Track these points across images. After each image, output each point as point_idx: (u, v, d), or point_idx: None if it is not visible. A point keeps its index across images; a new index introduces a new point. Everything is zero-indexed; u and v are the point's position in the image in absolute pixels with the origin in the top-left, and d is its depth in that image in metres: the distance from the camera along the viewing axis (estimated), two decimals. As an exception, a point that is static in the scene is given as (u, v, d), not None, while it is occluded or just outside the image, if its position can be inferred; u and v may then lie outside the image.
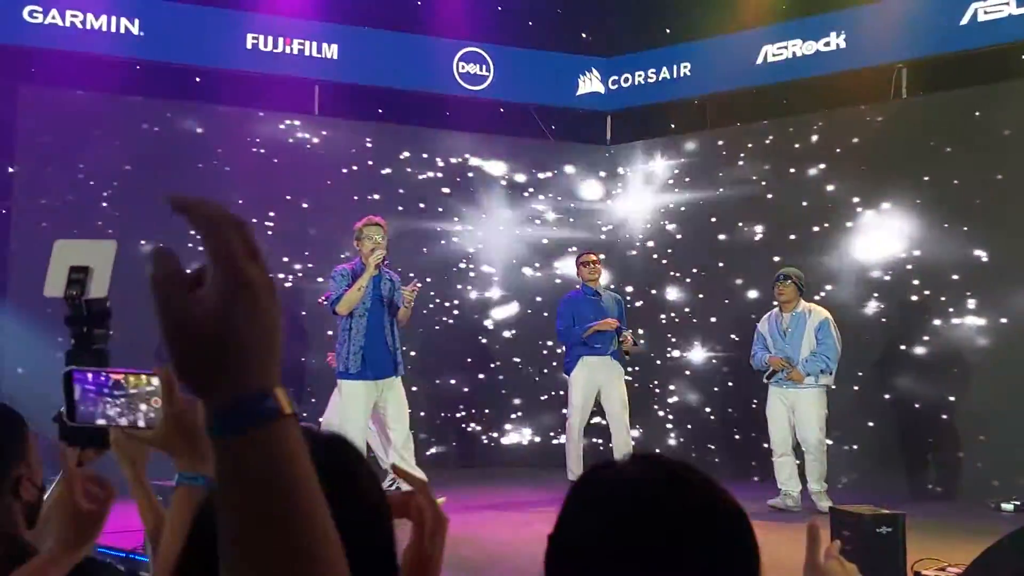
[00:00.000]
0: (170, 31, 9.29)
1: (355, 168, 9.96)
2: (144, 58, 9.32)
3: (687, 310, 10.27)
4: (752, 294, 9.68)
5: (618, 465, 1.26)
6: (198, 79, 9.58)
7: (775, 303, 8.18)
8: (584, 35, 11.09)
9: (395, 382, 7.45)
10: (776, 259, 9.18)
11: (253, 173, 9.41)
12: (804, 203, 9.48)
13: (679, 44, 10.58)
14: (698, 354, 10.16)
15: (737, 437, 9.68)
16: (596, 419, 9.03)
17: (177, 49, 9.31)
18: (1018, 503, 7.71)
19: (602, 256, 9.20)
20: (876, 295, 9.02)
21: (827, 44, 9.54)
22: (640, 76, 10.82)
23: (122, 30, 9.17)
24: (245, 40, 9.62)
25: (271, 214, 9.44)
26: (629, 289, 10.41)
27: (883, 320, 8.98)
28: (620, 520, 1.16)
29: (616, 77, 10.96)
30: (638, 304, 10.36)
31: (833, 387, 8.02)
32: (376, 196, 9.87)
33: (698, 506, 1.18)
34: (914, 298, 8.81)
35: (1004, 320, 8.30)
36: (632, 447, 8.48)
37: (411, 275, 8.48)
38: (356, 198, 9.72)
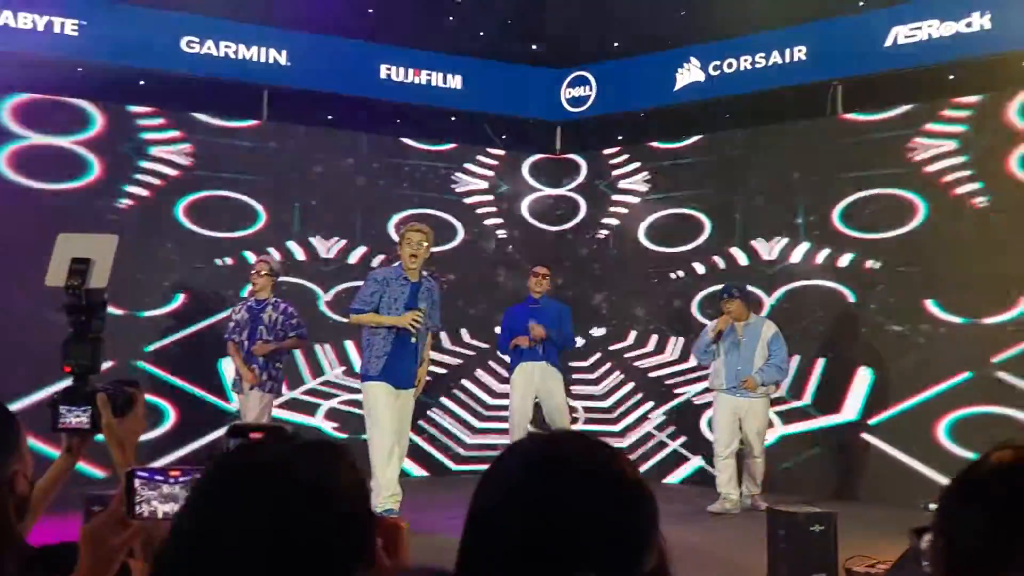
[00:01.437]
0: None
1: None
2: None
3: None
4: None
5: (530, 438, 1.35)
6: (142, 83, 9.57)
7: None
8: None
9: (410, 395, 7.34)
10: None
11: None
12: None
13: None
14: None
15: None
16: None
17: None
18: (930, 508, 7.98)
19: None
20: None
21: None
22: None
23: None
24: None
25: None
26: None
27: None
28: (526, 482, 1.24)
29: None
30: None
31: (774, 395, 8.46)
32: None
33: (601, 471, 1.25)
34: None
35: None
36: None
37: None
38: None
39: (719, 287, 8.74)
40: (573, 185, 11.16)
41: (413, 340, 7.23)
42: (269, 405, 8.11)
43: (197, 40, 9.57)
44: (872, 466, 8.87)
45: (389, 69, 10.44)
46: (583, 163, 11.12)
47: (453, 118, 10.86)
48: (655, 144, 10.60)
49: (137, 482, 1.84)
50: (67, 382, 2.44)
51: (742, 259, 9.81)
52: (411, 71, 10.53)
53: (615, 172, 10.82)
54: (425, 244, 7.25)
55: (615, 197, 10.80)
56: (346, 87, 10.22)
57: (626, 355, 10.52)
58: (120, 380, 2.46)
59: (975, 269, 8.45)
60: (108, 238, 2.54)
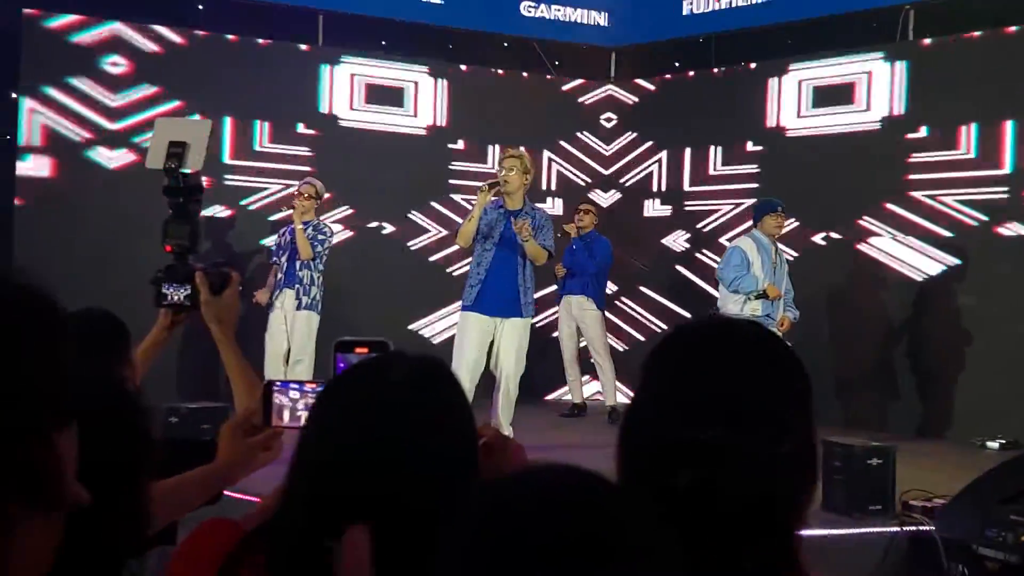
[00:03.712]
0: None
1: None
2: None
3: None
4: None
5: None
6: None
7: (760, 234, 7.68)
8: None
9: (516, 322, 7.06)
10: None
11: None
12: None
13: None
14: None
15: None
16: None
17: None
18: (1004, 441, 8.00)
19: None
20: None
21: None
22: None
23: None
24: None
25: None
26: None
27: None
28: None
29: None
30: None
31: None
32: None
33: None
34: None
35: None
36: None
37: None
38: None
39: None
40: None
41: (515, 268, 7.01)
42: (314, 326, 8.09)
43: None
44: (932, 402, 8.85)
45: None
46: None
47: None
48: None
49: (275, 392, 1.95)
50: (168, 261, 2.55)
51: None
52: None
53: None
54: (514, 171, 7.03)
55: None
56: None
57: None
58: (216, 261, 2.58)
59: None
60: (203, 123, 2.65)
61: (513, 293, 7.04)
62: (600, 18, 11.01)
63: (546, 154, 10.79)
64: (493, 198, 7.10)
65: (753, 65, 10.25)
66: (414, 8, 10.19)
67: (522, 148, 7.36)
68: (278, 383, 1.97)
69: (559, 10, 10.83)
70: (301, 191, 8.23)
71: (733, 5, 10.20)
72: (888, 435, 7.37)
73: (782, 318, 7.56)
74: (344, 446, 1.29)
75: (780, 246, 7.83)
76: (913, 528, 5.33)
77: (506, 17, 10.63)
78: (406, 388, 1.34)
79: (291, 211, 8.33)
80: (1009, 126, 8.50)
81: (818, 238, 9.51)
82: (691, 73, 10.83)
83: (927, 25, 9.14)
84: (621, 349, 10.50)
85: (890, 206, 9.12)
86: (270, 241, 9.02)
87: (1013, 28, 8.64)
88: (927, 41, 9.16)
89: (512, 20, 10.69)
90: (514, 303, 7.04)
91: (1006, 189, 8.50)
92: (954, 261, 8.76)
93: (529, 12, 10.73)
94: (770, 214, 7.67)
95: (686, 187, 10.67)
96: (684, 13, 10.57)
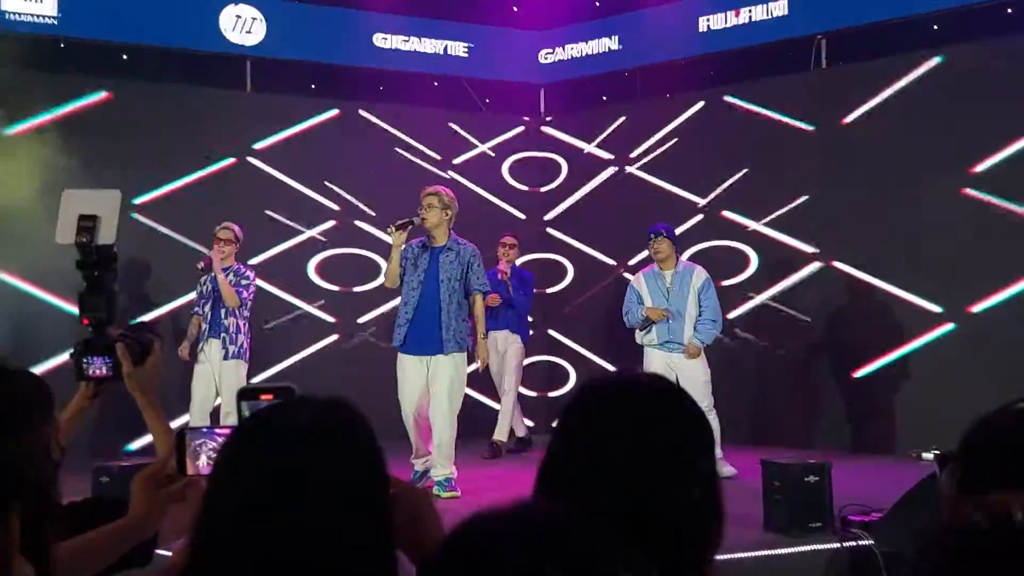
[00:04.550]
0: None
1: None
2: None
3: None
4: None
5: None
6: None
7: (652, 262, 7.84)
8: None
9: (443, 360, 6.97)
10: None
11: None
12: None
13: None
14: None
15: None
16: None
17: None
18: (937, 452, 8.07)
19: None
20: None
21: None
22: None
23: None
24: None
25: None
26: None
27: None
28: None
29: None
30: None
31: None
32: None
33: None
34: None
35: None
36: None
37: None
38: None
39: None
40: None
41: (439, 305, 6.98)
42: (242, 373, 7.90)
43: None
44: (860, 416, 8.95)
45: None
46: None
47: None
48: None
49: (189, 440, 1.94)
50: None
51: None
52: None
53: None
54: (436, 206, 7.05)
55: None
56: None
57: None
58: (138, 325, 2.57)
59: None
60: (111, 193, 2.59)
61: (439, 331, 6.97)
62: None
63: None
64: (417, 236, 7.14)
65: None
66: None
67: (440, 187, 7.34)
68: (191, 430, 1.95)
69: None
70: (219, 236, 7.96)
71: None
72: (820, 452, 7.43)
73: (688, 343, 7.59)
74: (247, 494, 1.28)
75: (689, 267, 7.79)
76: (853, 543, 5.35)
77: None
78: (308, 433, 1.32)
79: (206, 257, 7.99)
80: None
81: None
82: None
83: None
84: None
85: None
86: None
87: None
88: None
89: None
90: (440, 340, 6.97)
91: None
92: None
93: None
94: (649, 242, 7.77)
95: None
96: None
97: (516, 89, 11.17)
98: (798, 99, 9.48)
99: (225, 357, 7.77)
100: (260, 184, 9.76)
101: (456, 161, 10.74)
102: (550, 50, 11.08)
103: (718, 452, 7.31)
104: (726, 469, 7.30)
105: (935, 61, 8.78)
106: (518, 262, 9.34)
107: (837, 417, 9.04)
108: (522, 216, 10.90)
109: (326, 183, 10.04)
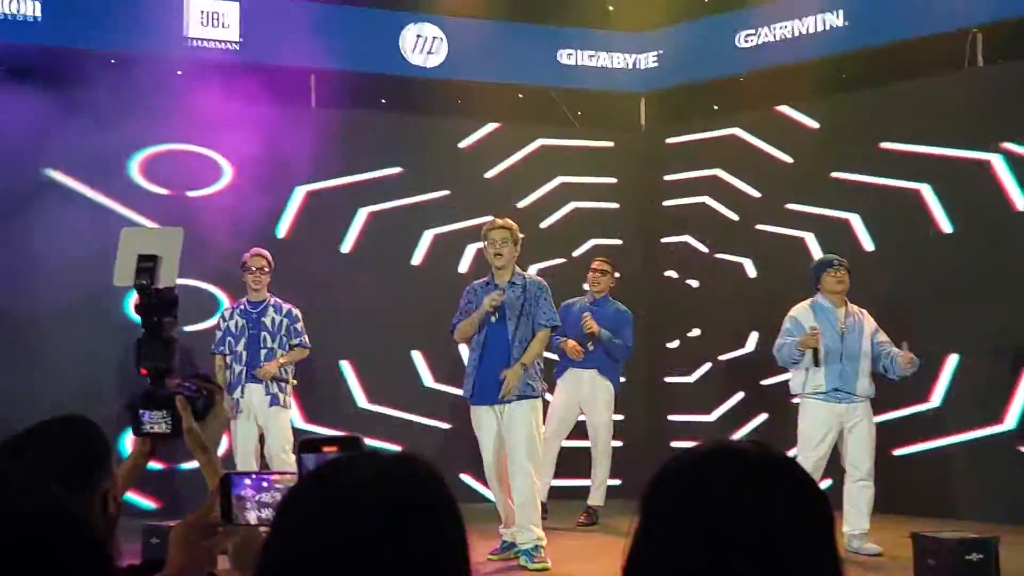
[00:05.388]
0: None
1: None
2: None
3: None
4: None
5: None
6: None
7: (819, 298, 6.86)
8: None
9: (516, 407, 6.45)
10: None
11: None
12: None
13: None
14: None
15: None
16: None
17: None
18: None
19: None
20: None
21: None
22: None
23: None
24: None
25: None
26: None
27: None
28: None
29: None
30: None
31: None
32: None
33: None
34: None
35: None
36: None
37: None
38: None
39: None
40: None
41: (510, 347, 6.50)
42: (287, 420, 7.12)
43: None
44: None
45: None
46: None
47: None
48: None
49: (234, 485, 1.88)
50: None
51: None
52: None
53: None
54: (510, 241, 6.57)
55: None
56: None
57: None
58: (199, 376, 2.44)
59: None
60: (174, 231, 2.48)
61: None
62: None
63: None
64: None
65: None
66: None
67: (507, 219, 6.81)
68: (236, 474, 1.90)
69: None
70: (251, 265, 7.07)
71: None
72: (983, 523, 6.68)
73: (906, 351, 6.53)
74: (307, 552, 1.21)
75: (855, 308, 6.93)
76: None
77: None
78: (374, 490, 1.24)
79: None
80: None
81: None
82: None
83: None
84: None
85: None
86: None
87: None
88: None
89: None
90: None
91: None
92: None
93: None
94: (827, 271, 6.87)
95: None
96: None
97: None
98: None
99: (271, 404, 6.99)
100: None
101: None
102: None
103: (864, 525, 6.78)
104: (868, 546, 6.66)
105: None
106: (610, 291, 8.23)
107: (1002, 481, 8.21)
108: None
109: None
